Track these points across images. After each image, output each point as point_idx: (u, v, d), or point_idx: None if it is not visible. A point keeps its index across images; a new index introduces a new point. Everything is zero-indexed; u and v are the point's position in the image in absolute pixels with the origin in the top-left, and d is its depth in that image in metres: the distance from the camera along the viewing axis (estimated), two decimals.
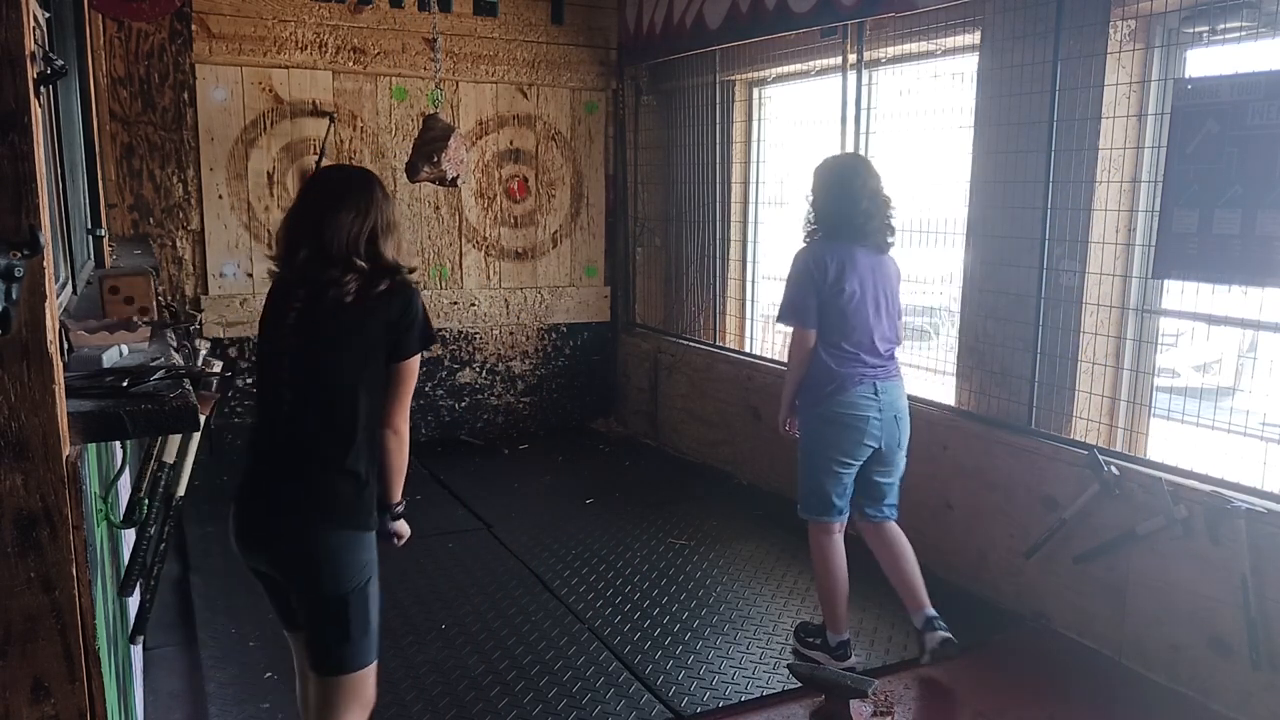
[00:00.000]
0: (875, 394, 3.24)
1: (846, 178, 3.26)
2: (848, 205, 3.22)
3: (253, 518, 2.20)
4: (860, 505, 3.42)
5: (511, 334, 6.47)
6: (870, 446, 3.28)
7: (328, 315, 2.12)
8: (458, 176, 5.19)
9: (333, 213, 2.15)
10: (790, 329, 3.33)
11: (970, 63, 4.17)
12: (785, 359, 3.64)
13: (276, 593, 2.26)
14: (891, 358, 3.33)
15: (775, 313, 3.64)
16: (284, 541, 2.14)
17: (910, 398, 4.22)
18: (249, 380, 5.71)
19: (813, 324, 3.24)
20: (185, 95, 5.39)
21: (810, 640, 3.49)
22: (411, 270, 2.30)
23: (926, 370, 4.81)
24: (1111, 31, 3.58)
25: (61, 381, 1.41)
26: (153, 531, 2.62)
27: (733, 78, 5.79)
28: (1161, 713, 3.18)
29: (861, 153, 3.47)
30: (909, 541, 3.47)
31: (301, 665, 2.28)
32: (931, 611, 3.40)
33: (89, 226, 3.68)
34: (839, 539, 3.39)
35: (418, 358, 2.24)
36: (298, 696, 2.36)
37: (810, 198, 3.34)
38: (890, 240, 3.33)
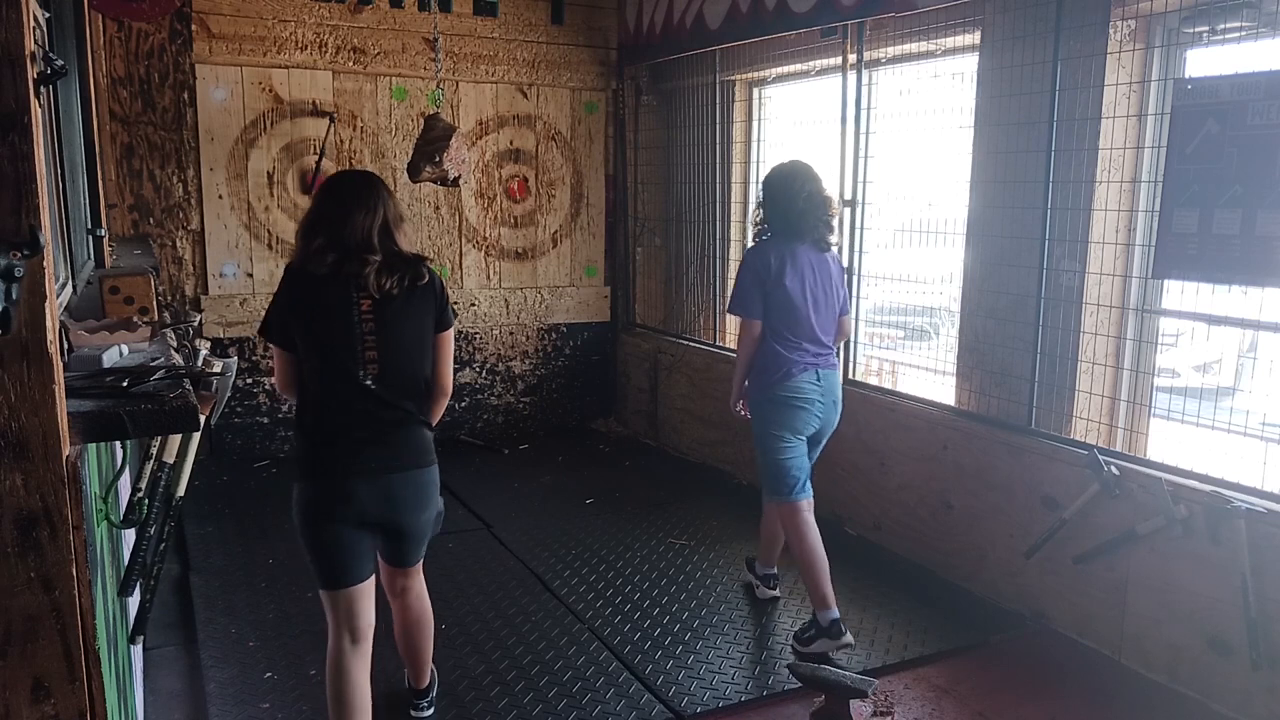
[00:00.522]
0: (818, 380, 3.57)
1: (786, 183, 3.57)
2: (786, 207, 3.54)
3: (372, 475, 2.56)
4: None
5: (511, 334, 6.47)
6: (813, 427, 3.60)
7: (393, 306, 2.55)
8: (459, 176, 5.19)
9: (351, 214, 2.53)
10: (739, 319, 3.67)
11: (970, 63, 4.17)
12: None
13: (354, 546, 2.60)
14: (830, 348, 3.64)
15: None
16: (409, 487, 2.61)
17: (910, 397, 4.37)
18: (249, 380, 5.73)
19: (757, 314, 3.55)
20: (185, 95, 5.39)
21: (807, 636, 3.53)
22: (425, 257, 2.69)
23: (926, 370, 4.81)
24: (1111, 31, 3.58)
25: (61, 381, 1.41)
26: (153, 531, 2.62)
27: (733, 78, 5.79)
28: (1161, 713, 3.18)
29: (805, 159, 3.71)
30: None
31: (356, 622, 2.63)
32: (774, 570, 3.94)
33: (89, 226, 3.68)
34: (810, 517, 3.57)
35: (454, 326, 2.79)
36: (359, 627, 2.64)
37: (759, 202, 3.68)
38: (831, 239, 3.66)
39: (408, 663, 2.99)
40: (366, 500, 2.55)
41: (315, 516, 2.59)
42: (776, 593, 3.96)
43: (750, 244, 3.67)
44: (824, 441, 3.72)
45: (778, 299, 3.52)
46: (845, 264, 4.67)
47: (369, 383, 2.53)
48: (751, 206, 5.90)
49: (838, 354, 3.77)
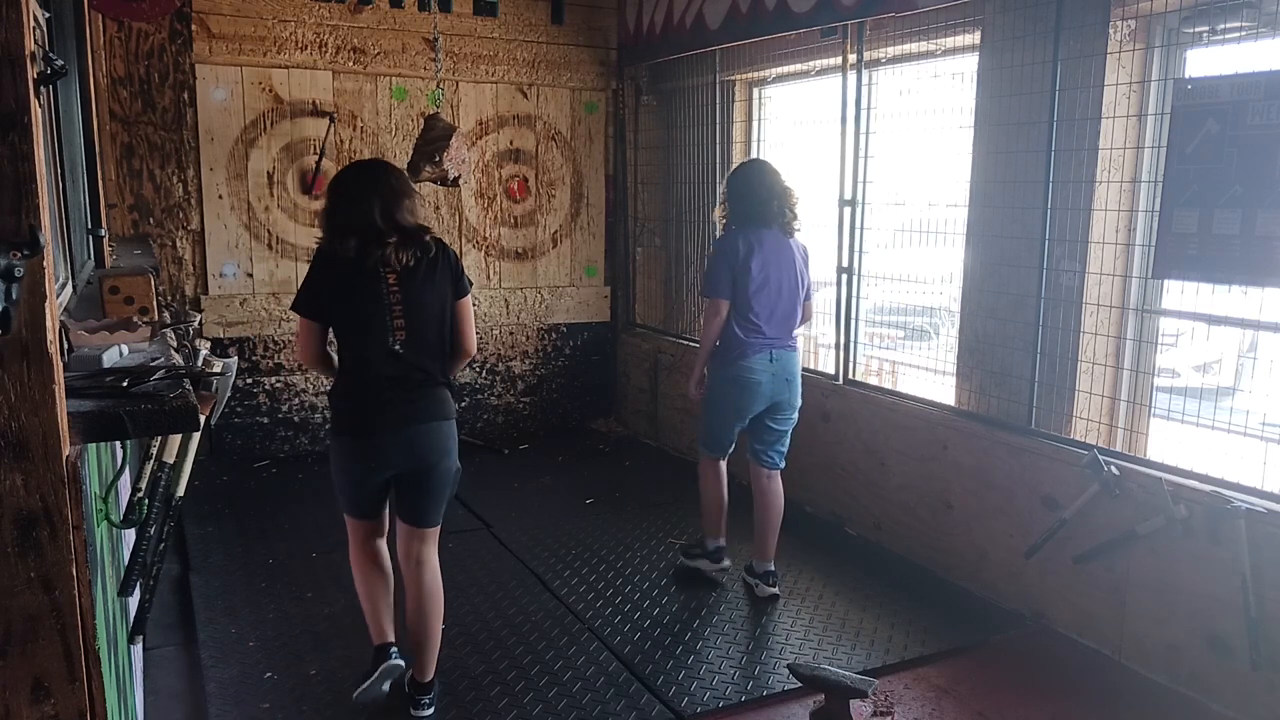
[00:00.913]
0: (770, 360, 3.85)
1: (749, 176, 3.91)
2: (750, 198, 3.85)
3: (396, 428, 2.89)
4: (755, 449, 4.02)
5: (511, 334, 6.47)
6: (762, 405, 3.90)
7: (418, 280, 2.88)
8: (459, 176, 5.19)
9: (358, 203, 2.84)
10: (708, 302, 3.91)
11: (970, 63, 4.17)
12: (698, 332, 4.62)
13: (377, 491, 3.01)
14: (790, 331, 3.92)
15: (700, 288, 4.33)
16: (432, 438, 2.93)
17: (910, 397, 4.40)
18: (249, 380, 5.73)
19: (726, 295, 3.82)
20: (185, 95, 5.39)
21: (694, 551, 4.19)
22: (428, 228, 2.97)
23: (926, 370, 4.81)
24: (1111, 31, 3.58)
25: (61, 381, 1.41)
26: (153, 531, 2.62)
27: (733, 78, 5.79)
28: (1161, 713, 3.19)
29: (765, 158, 4.20)
30: (780, 498, 4.09)
31: (370, 540, 3.09)
32: (772, 567, 4.04)
33: (89, 226, 3.68)
34: (722, 468, 4.10)
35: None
36: (369, 557, 3.10)
37: (723, 196, 3.98)
38: (796, 226, 3.92)
39: (415, 646, 3.06)
40: (392, 450, 2.88)
41: (349, 465, 2.95)
42: (727, 563, 4.15)
43: (719, 235, 4.03)
44: (789, 414, 3.98)
45: (747, 281, 3.79)
46: (845, 264, 4.68)
47: (397, 347, 2.85)
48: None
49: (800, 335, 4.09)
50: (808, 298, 3.98)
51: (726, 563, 4.11)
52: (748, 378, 3.83)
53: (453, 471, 3.01)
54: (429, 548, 3.05)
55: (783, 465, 4.04)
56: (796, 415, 4.00)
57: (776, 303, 3.83)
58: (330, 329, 2.91)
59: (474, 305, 6.21)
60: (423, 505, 3.00)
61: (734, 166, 4.14)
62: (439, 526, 3.08)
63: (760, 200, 3.82)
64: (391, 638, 3.13)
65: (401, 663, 3.11)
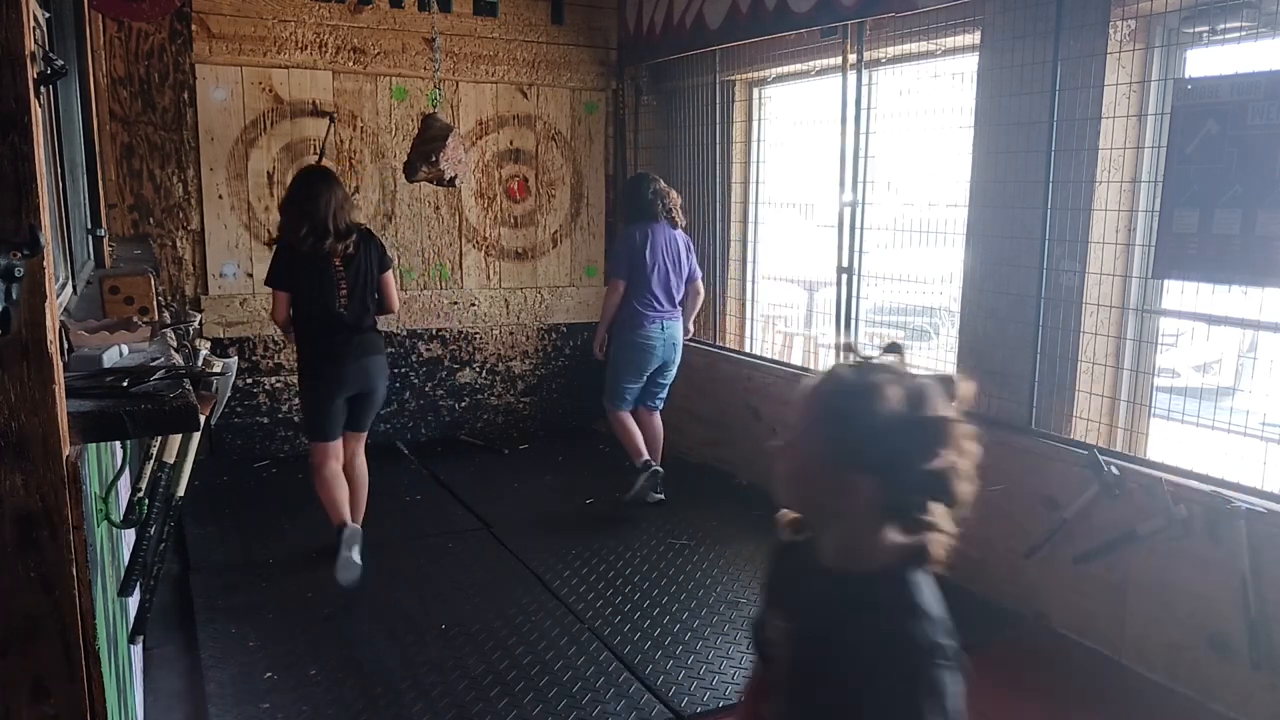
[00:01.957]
0: (662, 329, 4.94)
1: (638, 183, 5.03)
2: (639, 198, 4.92)
3: (353, 360, 4.05)
4: (643, 399, 5.14)
5: (511, 334, 6.47)
6: (655, 364, 5.00)
7: (356, 262, 4.04)
8: (456, 176, 5.18)
9: (315, 209, 3.92)
10: (611, 281, 4.98)
11: (970, 63, 4.17)
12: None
13: (340, 412, 4.13)
14: (675, 305, 4.98)
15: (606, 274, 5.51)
16: (374, 366, 4.15)
17: None
18: (249, 380, 5.73)
19: (624, 276, 4.86)
20: (185, 95, 5.39)
21: (630, 482, 5.01)
22: (363, 226, 4.23)
23: (926, 370, 4.80)
24: (1111, 31, 3.58)
25: (61, 381, 1.41)
26: (153, 531, 2.62)
27: (733, 78, 5.79)
28: (1161, 713, 3.19)
29: (643, 169, 5.34)
30: (661, 427, 5.28)
31: (333, 459, 4.17)
32: (659, 468, 5.05)
33: (89, 226, 3.68)
34: (629, 416, 5.08)
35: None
36: (332, 473, 4.17)
37: (624, 199, 5.16)
38: (679, 219, 4.97)
39: (353, 508, 4.24)
40: (354, 375, 4.05)
41: (328, 390, 4.05)
42: (655, 469, 5.04)
43: (622, 228, 5.10)
44: (669, 374, 5.11)
45: (641, 264, 4.83)
46: (845, 264, 4.69)
47: (341, 310, 4.02)
48: (752, 206, 5.93)
49: (693, 315, 5.29)
50: (692, 279, 5.05)
51: (655, 468, 5.05)
52: (646, 343, 4.91)
53: (385, 391, 4.29)
54: (362, 446, 4.34)
55: (662, 407, 5.20)
56: (675, 371, 5.12)
57: (666, 282, 4.89)
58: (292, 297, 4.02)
59: (473, 306, 6.33)
60: (366, 416, 4.24)
61: (629, 177, 5.42)
62: (368, 430, 4.33)
63: (647, 200, 4.87)
64: (348, 518, 4.13)
65: (358, 527, 4.15)
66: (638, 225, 4.85)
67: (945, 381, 1.30)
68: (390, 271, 4.19)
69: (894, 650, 1.21)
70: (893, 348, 1.33)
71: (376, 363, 4.17)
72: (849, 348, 1.34)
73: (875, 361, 1.32)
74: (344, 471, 4.20)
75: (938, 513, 1.26)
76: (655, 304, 4.86)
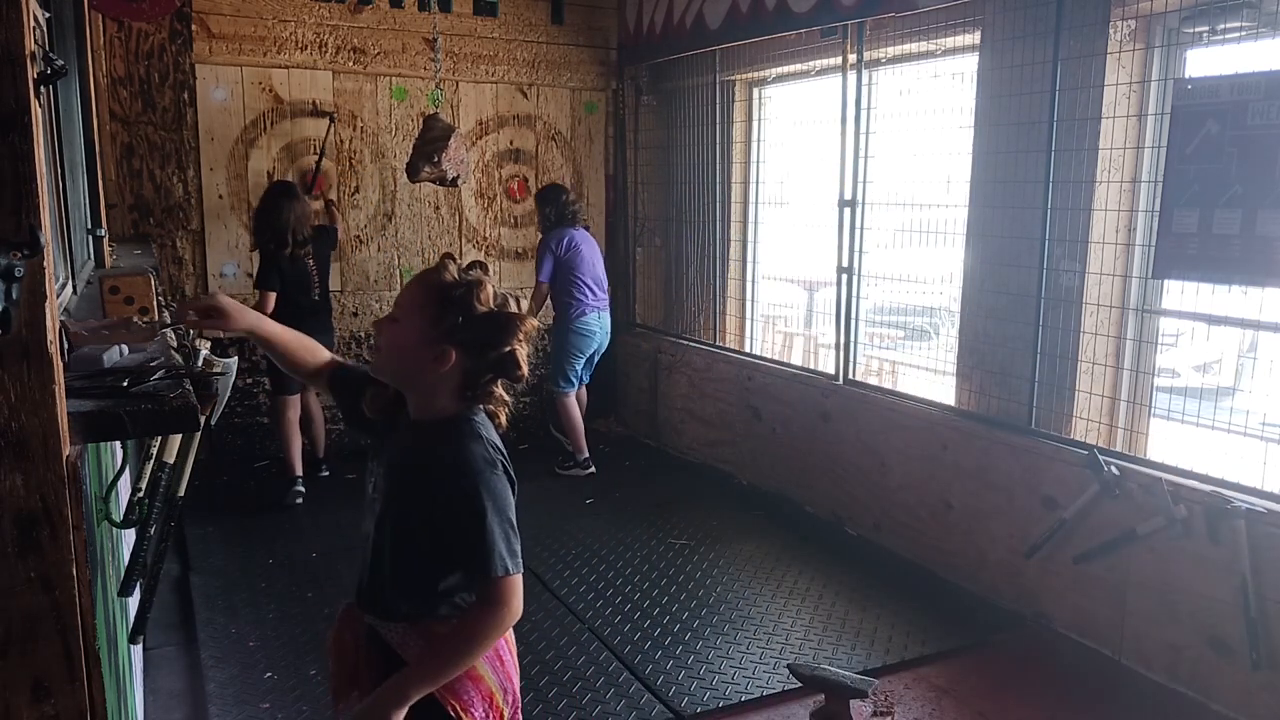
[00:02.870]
0: (599, 318, 5.62)
1: (557, 192, 5.63)
2: (561, 206, 5.54)
3: (321, 333, 4.71)
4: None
5: None
6: (593, 349, 5.65)
7: (320, 258, 5.10)
8: (458, 176, 5.19)
9: (285, 222, 4.84)
10: (538, 284, 5.55)
11: (970, 63, 4.17)
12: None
13: None
14: (606, 296, 5.69)
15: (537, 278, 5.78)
16: (328, 328, 5.21)
17: (910, 397, 4.45)
18: (249, 380, 5.73)
19: (548, 278, 5.49)
20: (185, 95, 5.39)
21: (567, 464, 5.64)
22: (325, 226, 5.40)
23: (926, 370, 4.81)
24: (1111, 31, 3.58)
25: (61, 381, 1.40)
26: (153, 531, 2.61)
27: (733, 78, 5.79)
28: (1161, 713, 3.19)
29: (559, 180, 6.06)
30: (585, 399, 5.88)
31: (295, 409, 5.12)
32: (594, 470, 5.62)
33: (89, 226, 3.68)
34: (574, 400, 5.66)
35: None
36: (292, 420, 5.10)
37: (545, 207, 5.59)
38: (586, 222, 5.82)
39: (314, 441, 5.37)
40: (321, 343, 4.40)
41: None
42: (592, 469, 5.60)
43: (545, 233, 5.61)
44: (602, 351, 5.77)
45: (575, 264, 5.46)
46: (845, 264, 4.70)
47: (315, 296, 5.04)
48: (751, 206, 5.94)
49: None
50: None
51: (592, 469, 5.60)
52: (587, 330, 5.56)
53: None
54: (313, 394, 5.19)
55: (589, 381, 5.85)
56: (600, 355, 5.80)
57: (595, 276, 5.57)
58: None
59: None
60: None
61: (542, 188, 5.84)
62: None
63: (568, 209, 5.53)
64: (300, 472, 5.09)
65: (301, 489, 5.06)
66: (564, 231, 5.48)
67: (511, 295, 1.75)
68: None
69: (460, 465, 1.65)
70: (477, 264, 1.74)
71: (329, 324, 5.34)
72: (449, 256, 1.74)
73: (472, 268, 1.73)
74: (306, 409, 5.29)
75: (499, 384, 1.74)
76: (592, 296, 5.54)
